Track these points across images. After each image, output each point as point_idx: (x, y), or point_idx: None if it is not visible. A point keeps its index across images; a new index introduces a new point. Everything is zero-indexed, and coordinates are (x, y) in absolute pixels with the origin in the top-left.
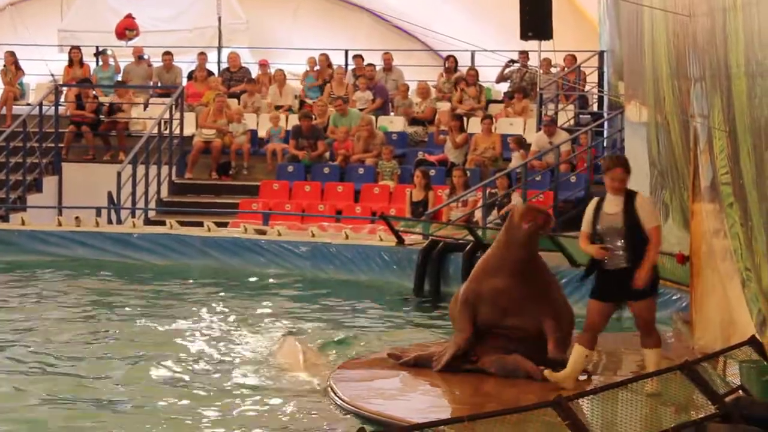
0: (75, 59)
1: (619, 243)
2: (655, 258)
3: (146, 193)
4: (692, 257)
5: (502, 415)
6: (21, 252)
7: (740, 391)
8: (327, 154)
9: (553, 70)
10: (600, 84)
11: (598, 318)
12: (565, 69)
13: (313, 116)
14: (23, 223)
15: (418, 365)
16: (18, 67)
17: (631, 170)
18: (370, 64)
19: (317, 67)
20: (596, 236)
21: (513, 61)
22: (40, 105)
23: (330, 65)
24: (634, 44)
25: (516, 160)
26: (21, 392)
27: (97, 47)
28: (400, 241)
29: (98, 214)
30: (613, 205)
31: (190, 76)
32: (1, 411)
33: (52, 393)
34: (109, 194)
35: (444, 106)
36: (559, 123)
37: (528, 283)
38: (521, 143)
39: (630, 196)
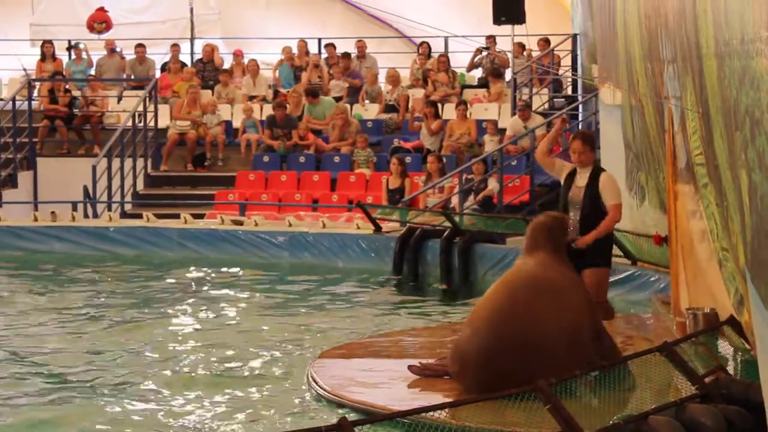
0: (47, 53)
1: (579, 216)
2: (604, 229)
3: (122, 186)
4: (681, 237)
5: (483, 401)
6: None
7: (720, 371)
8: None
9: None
10: (574, 67)
11: None
12: (532, 54)
13: (287, 105)
14: None
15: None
16: None
17: (592, 143)
18: (345, 54)
19: (295, 53)
20: (565, 205)
21: (483, 49)
22: (14, 100)
23: (307, 53)
24: (607, 27)
25: (489, 144)
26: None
27: (69, 41)
28: (378, 228)
29: (74, 208)
30: (581, 178)
31: (163, 68)
32: None
33: (32, 388)
34: (85, 188)
35: (418, 93)
36: (534, 107)
37: None
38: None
39: (596, 173)
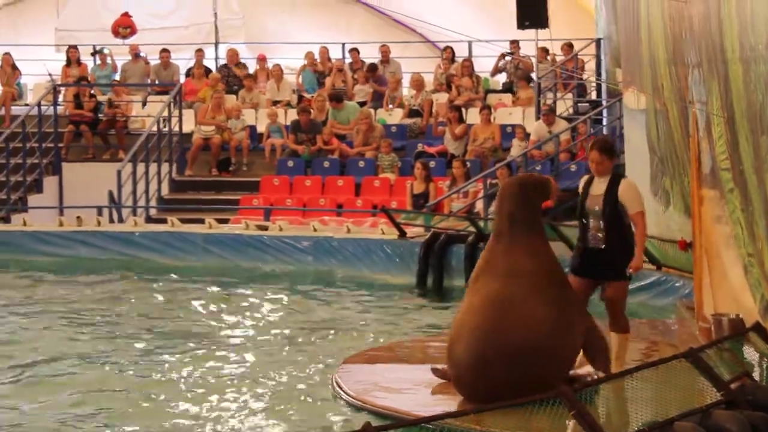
0: (72, 58)
1: (600, 224)
2: (643, 243)
3: (147, 191)
4: (706, 243)
5: (508, 407)
6: (23, 252)
7: (745, 377)
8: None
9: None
10: (598, 72)
11: (576, 291)
12: (556, 59)
13: (312, 110)
14: (25, 224)
15: None
16: (15, 68)
17: (611, 152)
18: (372, 65)
19: (317, 60)
20: (583, 212)
21: (507, 54)
22: (39, 105)
23: (330, 59)
24: (631, 31)
25: (516, 149)
26: (30, 394)
27: (94, 46)
28: (402, 233)
29: (99, 213)
30: (598, 186)
31: (187, 73)
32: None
33: (60, 393)
34: (110, 193)
35: (442, 98)
36: (558, 112)
37: None
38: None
39: (615, 180)
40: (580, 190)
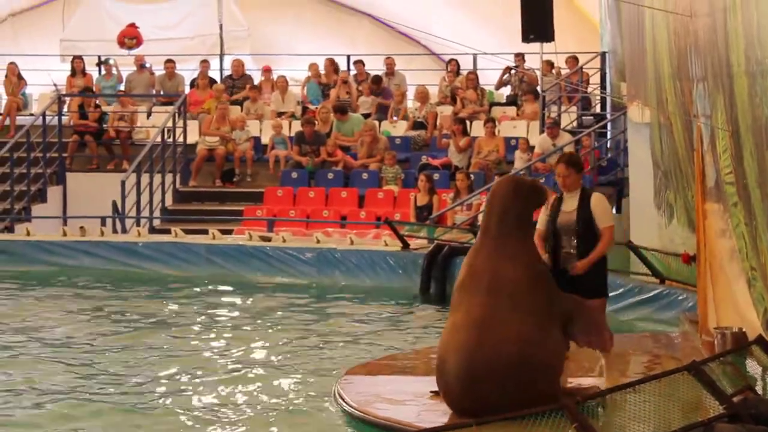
0: (77, 69)
1: (573, 242)
2: (600, 253)
3: (151, 201)
4: (709, 256)
5: (509, 419)
6: (27, 262)
7: (748, 391)
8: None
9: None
10: (602, 85)
11: None
12: (560, 72)
13: (316, 122)
14: (28, 234)
15: None
16: (20, 78)
17: (578, 166)
18: (376, 77)
19: (323, 72)
20: (554, 233)
21: (512, 68)
22: (44, 115)
23: (335, 70)
24: (636, 44)
25: (519, 161)
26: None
27: (99, 56)
28: (405, 245)
29: (103, 223)
30: (569, 203)
31: (192, 84)
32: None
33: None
34: (114, 203)
35: (446, 110)
36: (562, 125)
37: None
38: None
39: (585, 195)
40: (549, 210)
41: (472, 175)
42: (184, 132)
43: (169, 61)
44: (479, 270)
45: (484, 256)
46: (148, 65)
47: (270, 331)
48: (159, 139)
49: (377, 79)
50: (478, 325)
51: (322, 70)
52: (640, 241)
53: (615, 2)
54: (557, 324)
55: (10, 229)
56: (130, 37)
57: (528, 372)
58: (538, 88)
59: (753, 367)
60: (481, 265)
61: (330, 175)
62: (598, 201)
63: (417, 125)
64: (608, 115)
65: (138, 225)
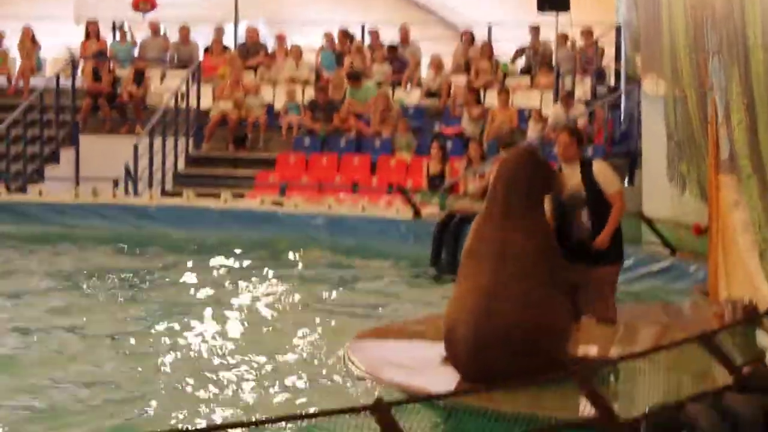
0: (92, 32)
1: (584, 212)
2: (615, 221)
3: (163, 165)
4: (722, 228)
5: (519, 386)
6: (39, 223)
7: (758, 362)
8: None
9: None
10: (617, 57)
11: None
12: (574, 45)
13: (329, 89)
14: (41, 195)
15: None
16: (34, 41)
17: (580, 138)
18: (391, 46)
19: (336, 41)
20: (560, 207)
21: (525, 50)
22: (57, 78)
23: (349, 39)
24: (652, 17)
25: (532, 130)
26: (45, 370)
27: (114, 21)
28: (417, 213)
29: (115, 185)
30: (571, 175)
31: (206, 50)
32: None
33: (75, 367)
34: (126, 166)
35: (460, 80)
36: (576, 97)
37: None
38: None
39: (587, 164)
40: None
41: (485, 144)
42: (198, 97)
43: (183, 27)
44: (487, 237)
45: (492, 225)
46: (162, 31)
47: (280, 296)
48: (172, 103)
49: (392, 48)
50: (486, 293)
51: (336, 38)
52: (653, 212)
53: None
54: (564, 293)
55: (23, 190)
56: (145, 1)
57: (536, 339)
58: (552, 60)
59: (763, 339)
60: (489, 233)
61: (342, 142)
62: (600, 168)
63: (430, 94)
64: (623, 87)
65: (150, 188)
